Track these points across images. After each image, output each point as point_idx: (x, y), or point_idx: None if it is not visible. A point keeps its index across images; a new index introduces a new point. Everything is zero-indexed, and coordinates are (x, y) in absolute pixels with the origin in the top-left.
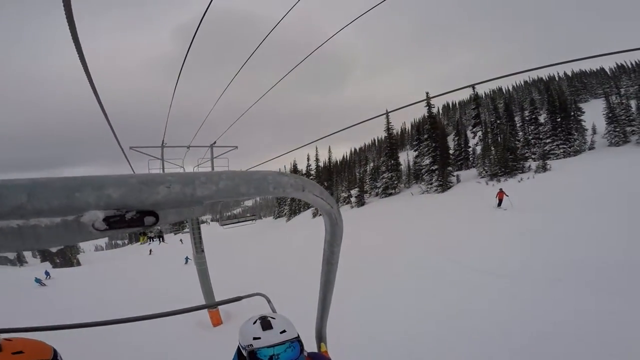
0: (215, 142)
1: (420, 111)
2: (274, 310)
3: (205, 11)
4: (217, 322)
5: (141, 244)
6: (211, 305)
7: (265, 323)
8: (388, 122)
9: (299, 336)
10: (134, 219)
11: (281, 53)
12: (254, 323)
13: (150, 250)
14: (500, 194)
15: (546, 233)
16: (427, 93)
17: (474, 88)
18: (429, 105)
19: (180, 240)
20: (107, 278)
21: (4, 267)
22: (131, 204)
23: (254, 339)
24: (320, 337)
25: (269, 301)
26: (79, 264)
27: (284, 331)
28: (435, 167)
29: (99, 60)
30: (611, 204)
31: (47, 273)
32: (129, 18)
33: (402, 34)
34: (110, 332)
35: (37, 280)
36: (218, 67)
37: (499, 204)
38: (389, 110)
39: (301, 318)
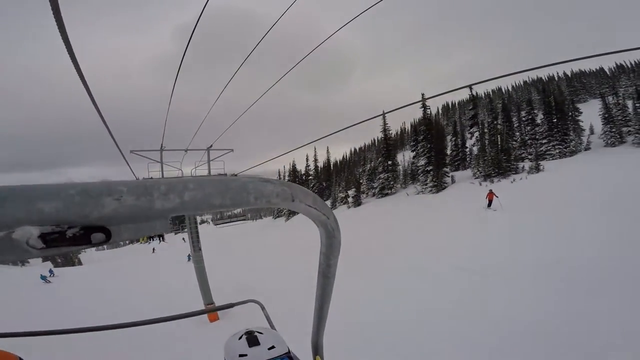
0: (211, 146)
1: (419, 111)
2: (268, 317)
3: (201, 13)
4: (213, 318)
5: (141, 243)
6: (203, 312)
7: (252, 339)
8: (385, 123)
9: (289, 351)
10: (78, 236)
11: (280, 54)
12: (240, 338)
13: (154, 249)
14: (490, 195)
15: (532, 234)
16: (423, 94)
17: (471, 89)
18: (424, 107)
19: (183, 239)
20: (112, 277)
21: (6, 266)
22: (72, 219)
23: (240, 356)
24: (317, 350)
25: (263, 308)
26: (80, 263)
27: (272, 347)
28: (430, 167)
29: (97, 63)
30: (599, 204)
31: (51, 271)
32: (125, 21)
33: (403, 33)
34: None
35: (43, 278)
36: (216, 69)
37: (489, 205)
38: (385, 112)
39: (301, 318)
